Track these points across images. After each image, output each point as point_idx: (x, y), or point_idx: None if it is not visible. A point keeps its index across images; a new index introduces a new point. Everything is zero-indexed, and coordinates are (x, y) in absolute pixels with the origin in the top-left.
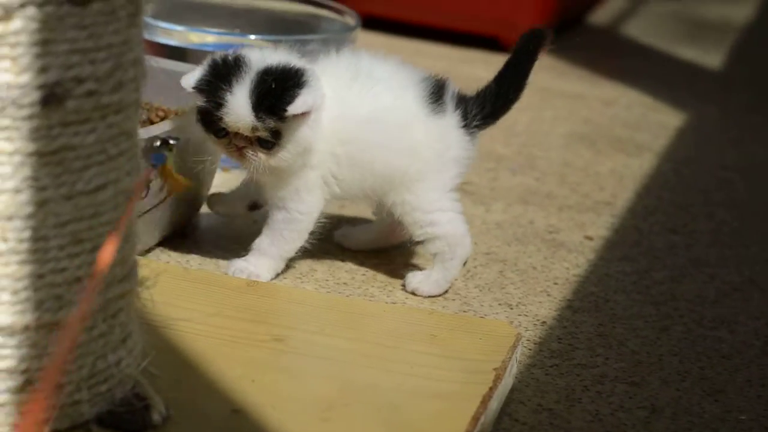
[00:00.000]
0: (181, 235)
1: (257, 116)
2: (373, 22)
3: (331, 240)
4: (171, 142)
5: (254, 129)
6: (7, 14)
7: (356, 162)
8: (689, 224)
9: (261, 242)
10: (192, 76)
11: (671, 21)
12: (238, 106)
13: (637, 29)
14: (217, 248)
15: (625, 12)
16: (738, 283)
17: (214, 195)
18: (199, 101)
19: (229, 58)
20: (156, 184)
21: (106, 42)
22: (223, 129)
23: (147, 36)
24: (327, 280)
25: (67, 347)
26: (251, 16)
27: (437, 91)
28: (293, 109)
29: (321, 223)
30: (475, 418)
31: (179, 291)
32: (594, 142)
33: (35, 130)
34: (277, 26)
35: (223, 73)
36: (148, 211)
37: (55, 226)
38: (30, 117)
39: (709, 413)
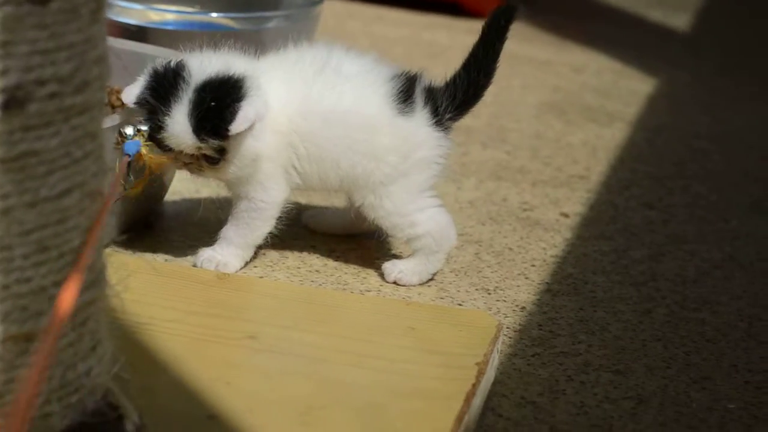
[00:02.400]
0: (146, 226)
1: (199, 138)
2: None
3: (301, 224)
4: (142, 128)
5: (198, 149)
6: None
7: (317, 159)
8: (665, 198)
9: (227, 231)
10: (133, 89)
11: None
12: (179, 130)
13: None
14: (184, 237)
15: None
16: (718, 261)
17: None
18: (142, 117)
19: (169, 70)
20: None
21: (68, 41)
22: (168, 145)
23: None
24: (299, 268)
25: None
26: None
27: (406, 89)
28: (235, 127)
29: (288, 208)
30: (459, 418)
31: (148, 288)
32: (565, 111)
33: None
34: (238, 1)
35: (161, 92)
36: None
37: (20, 235)
38: None
39: (697, 402)
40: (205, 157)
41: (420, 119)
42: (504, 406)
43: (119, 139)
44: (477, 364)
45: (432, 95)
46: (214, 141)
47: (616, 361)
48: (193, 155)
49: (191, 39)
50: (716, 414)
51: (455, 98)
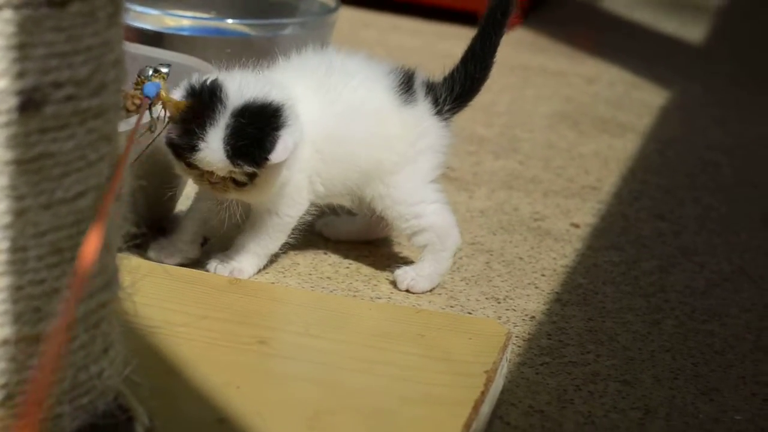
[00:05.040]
0: (159, 230)
1: (234, 164)
2: None
3: (314, 231)
4: (163, 70)
5: (230, 172)
6: None
7: (339, 158)
8: (676, 210)
9: (245, 240)
10: None
11: None
12: (212, 153)
13: (617, 1)
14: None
15: None
16: (728, 273)
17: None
18: (171, 134)
19: (206, 89)
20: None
21: (86, 44)
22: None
23: None
24: (310, 275)
25: (53, 359)
26: None
27: (406, 82)
28: (275, 157)
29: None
30: (467, 425)
31: (160, 292)
32: (577, 122)
33: (12, 137)
34: (253, 8)
35: (197, 112)
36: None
37: (34, 236)
38: (7, 124)
39: (704, 413)
40: (233, 180)
41: (423, 108)
42: (512, 415)
43: (138, 80)
44: (486, 372)
45: (431, 88)
46: (249, 168)
47: (624, 371)
48: (221, 176)
49: (206, 45)
50: (723, 425)
51: (453, 90)
